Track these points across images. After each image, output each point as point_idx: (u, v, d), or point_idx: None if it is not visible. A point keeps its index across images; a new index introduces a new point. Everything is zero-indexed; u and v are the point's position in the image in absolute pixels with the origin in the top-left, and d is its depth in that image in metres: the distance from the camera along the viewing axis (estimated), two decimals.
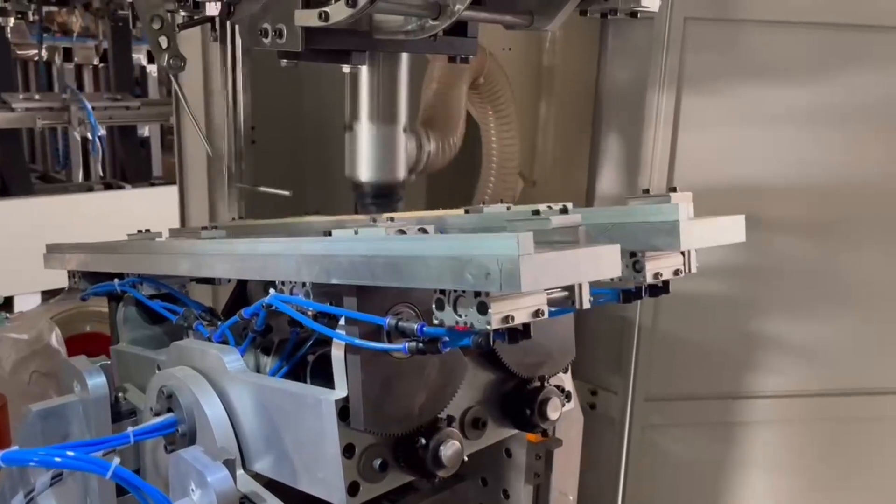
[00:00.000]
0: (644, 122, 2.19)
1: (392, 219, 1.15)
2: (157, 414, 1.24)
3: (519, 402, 1.21)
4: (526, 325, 0.86)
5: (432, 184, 2.49)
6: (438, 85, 1.85)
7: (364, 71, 1.46)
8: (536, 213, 0.99)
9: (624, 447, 2.36)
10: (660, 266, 1.09)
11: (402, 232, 0.97)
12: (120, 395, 1.47)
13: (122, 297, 1.61)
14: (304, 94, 2.51)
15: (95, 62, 6.25)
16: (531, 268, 0.79)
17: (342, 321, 1.01)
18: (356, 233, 1.00)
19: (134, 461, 1.39)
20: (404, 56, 1.49)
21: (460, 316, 0.87)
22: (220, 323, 1.33)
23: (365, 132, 1.51)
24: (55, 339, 3.40)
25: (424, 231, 0.99)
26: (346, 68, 1.37)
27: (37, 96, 5.05)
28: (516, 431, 1.26)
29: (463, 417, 1.18)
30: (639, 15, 1.33)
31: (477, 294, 0.84)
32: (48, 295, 4.33)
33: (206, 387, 1.20)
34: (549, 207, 1.19)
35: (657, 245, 1.05)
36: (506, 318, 0.84)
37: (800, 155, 2.25)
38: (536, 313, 0.86)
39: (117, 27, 5.50)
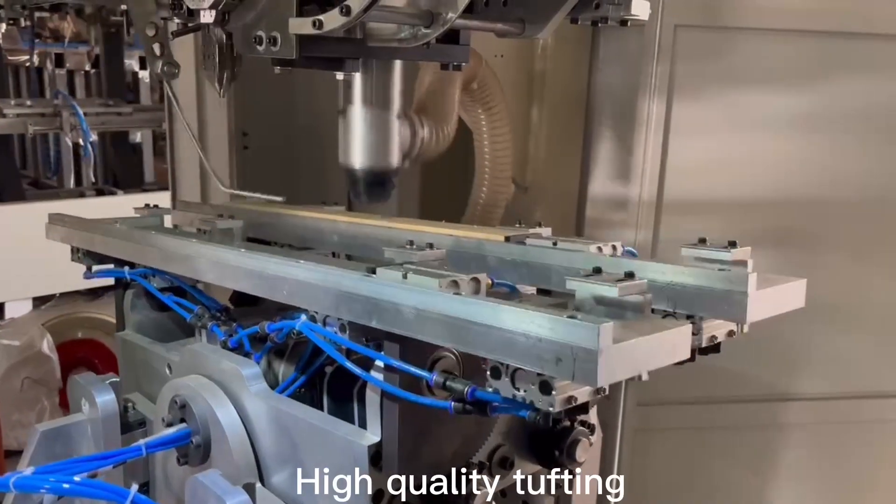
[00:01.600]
0: (635, 128, 2.21)
1: (431, 245, 1.11)
2: (170, 424, 1.20)
3: (548, 442, 1.19)
4: (585, 403, 0.83)
5: (425, 190, 2.50)
6: (432, 80, 1.84)
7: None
8: (598, 270, 0.94)
9: (616, 452, 2.36)
10: (715, 329, 1.05)
11: (455, 283, 0.93)
12: (129, 405, 1.43)
13: (130, 283, 1.57)
14: (296, 99, 2.52)
15: (87, 68, 6.23)
16: (609, 362, 0.75)
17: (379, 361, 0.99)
18: (405, 277, 0.96)
19: (143, 473, 1.36)
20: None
21: (518, 390, 0.84)
22: (235, 325, 1.30)
23: (358, 117, 1.49)
24: (47, 345, 3.40)
25: (477, 280, 0.94)
26: (339, 75, 1.38)
27: (28, 102, 5.03)
28: (541, 468, 1.23)
29: (490, 457, 1.16)
30: (629, 23, 1.34)
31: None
32: (39, 301, 4.32)
33: (221, 398, 1.16)
34: (599, 249, 1.16)
35: (719, 313, 1.01)
36: (569, 399, 0.81)
37: (789, 160, 2.27)
38: (598, 391, 0.83)
39: (109, 33, 5.49)
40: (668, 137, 2.21)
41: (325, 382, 1.19)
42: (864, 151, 2.30)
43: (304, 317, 1.08)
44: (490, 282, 0.97)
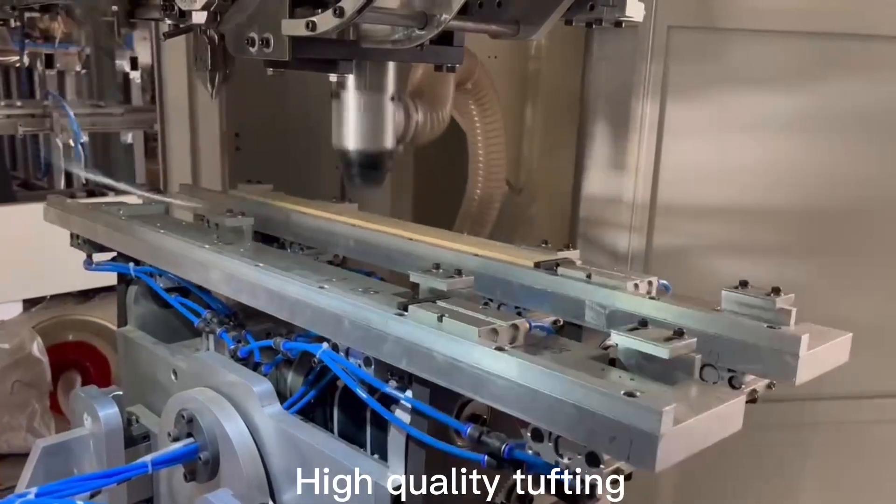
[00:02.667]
0: (629, 129, 2.21)
1: (460, 272, 1.07)
2: (176, 439, 1.16)
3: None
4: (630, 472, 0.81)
5: (419, 192, 2.49)
6: (425, 69, 1.84)
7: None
8: (644, 323, 0.90)
9: None
10: (757, 383, 1.01)
11: (495, 332, 0.88)
12: (132, 417, 1.39)
13: (133, 279, 1.53)
14: (288, 101, 2.51)
15: (78, 69, 6.20)
16: (668, 446, 0.72)
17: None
18: (440, 319, 0.92)
19: (146, 489, 1.33)
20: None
21: (562, 457, 0.80)
22: (244, 332, 1.26)
23: (352, 99, 1.47)
24: (37, 348, 3.37)
25: (516, 327, 0.89)
26: (333, 77, 1.37)
27: (18, 103, 5.00)
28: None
29: (509, 495, 1.12)
30: (623, 25, 1.34)
31: None
32: (30, 304, 4.28)
33: (231, 412, 1.12)
34: (636, 286, 1.12)
35: (766, 372, 0.98)
36: (616, 470, 0.79)
37: (783, 161, 2.28)
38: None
39: (100, 34, 5.45)
40: (661, 138, 2.21)
41: (336, 397, 1.16)
42: (857, 152, 2.31)
43: (325, 345, 1.05)
44: (528, 326, 0.92)
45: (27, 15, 5.82)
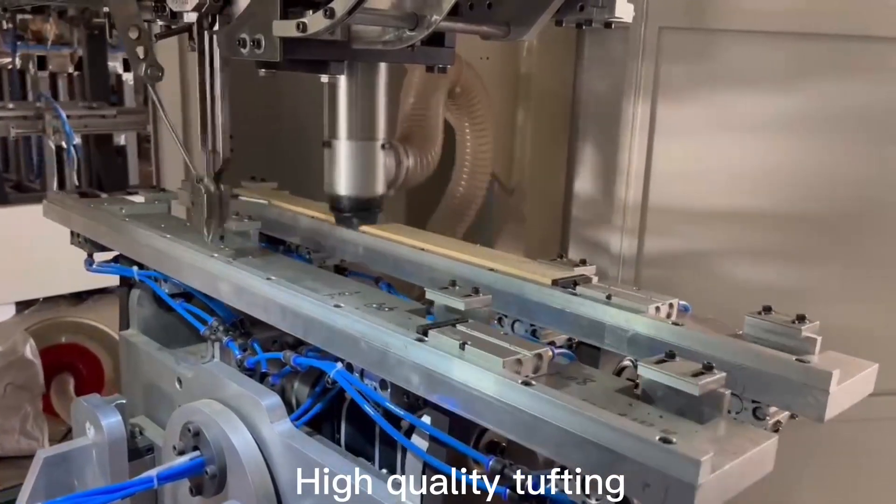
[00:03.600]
0: (620, 129, 2.22)
1: (477, 290, 1.06)
2: (181, 452, 1.14)
3: None
4: None
5: (410, 191, 2.50)
6: (416, 98, 1.86)
7: (342, 84, 1.46)
8: (671, 355, 0.88)
9: None
10: (780, 414, 1.00)
11: (519, 362, 0.86)
12: (136, 429, 1.37)
13: (136, 282, 1.51)
14: (282, 102, 2.51)
15: (70, 70, 6.19)
16: (705, 494, 0.70)
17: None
18: (462, 347, 0.90)
19: (150, 502, 1.30)
20: (382, 66, 1.50)
21: (589, 498, 0.79)
22: (251, 340, 1.24)
23: (343, 148, 1.51)
24: (29, 350, 3.36)
25: (540, 356, 0.87)
26: (324, 78, 1.38)
27: (10, 105, 4.98)
28: None
29: None
30: (613, 25, 1.34)
31: None
32: (23, 306, 4.27)
33: (238, 425, 1.10)
34: (657, 309, 1.08)
35: (793, 406, 0.95)
36: None
37: (774, 162, 2.29)
38: None
39: (92, 35, 5.45)
40: (653, 138, 2.22)
41: (344, 409, 1.14)
42: (847, 152, 2.32)
43: (339, 365, 1.03)
44: (551, 355, 0.91)
45: (19, 17, 5.82)
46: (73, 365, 3.71)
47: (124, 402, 1.31)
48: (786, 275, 2.35)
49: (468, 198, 2.16)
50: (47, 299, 4.40)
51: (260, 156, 2.46)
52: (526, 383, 0.83)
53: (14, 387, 3.32)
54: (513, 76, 2.39)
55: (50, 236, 4.11)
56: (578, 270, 1.24)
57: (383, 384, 0.99)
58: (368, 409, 1.01)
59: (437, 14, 1.12)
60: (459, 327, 0.96)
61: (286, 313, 1.12)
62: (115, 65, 6.31)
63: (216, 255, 1.30)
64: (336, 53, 1.30)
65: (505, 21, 1.34)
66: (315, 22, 1.07)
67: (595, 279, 1.23)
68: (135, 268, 1.48)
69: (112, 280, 1.63)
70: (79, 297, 4.75)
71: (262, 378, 1.26)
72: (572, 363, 1.04)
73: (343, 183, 1.51)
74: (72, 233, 1.69)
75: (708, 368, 0.85)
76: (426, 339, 0.94)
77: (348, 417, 1.14)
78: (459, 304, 1.02)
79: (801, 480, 2.57)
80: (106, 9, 1.31)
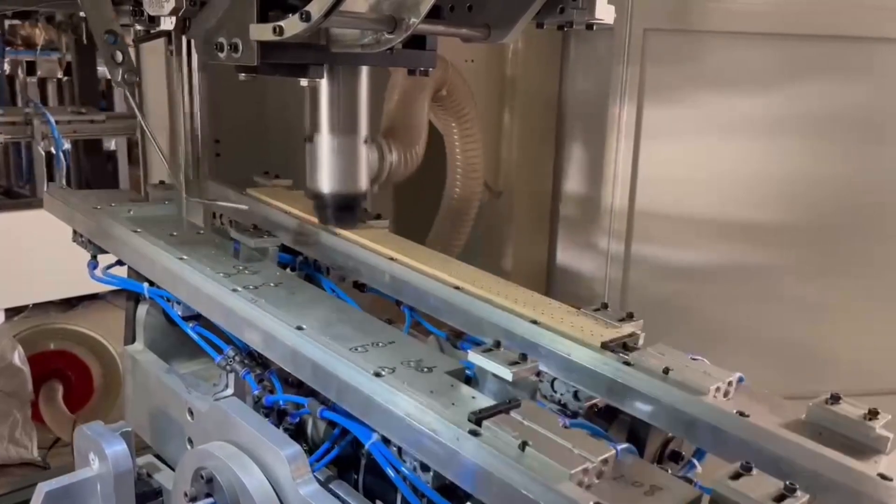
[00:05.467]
0: (606, 131, 2.22)
1: (525, 356, 1.01)
2: (193, 499, 1.08)
3: None
4: None
5: (399, 193, 2.49)
6: (400, 97, 1.85)
7: (324, 82, 1.45)
8: (747, 468, 0.83)
9: None
10: None
11: (586, 471, 0.83)
12: (143, 471, 1.29)
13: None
14: (267, 105, 2.51)
15: (59, 76, 6.16)
16: None
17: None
18: (522, 448, 0.85)
19: None
20: (364, 67, 1.49)
21: None
22: (268, 372, 1.18)
23: (325, 144, 1.48)
24: (18, 357, 3.34)
25: (606, 461, 0.83)
26: (303, 82, 1.37)
27: None
28: None
29: None
30: (594, 27, 1.34)
31: None
32: (12, 312, 4.25)
33: (255, 472, 1.03)
34: (718, 389, 1.03)
35: None
36: None
37: (759, 162, 2.29)
38: None
39: (81, 40, 5.43)
40: (639, 139, 2.22)
41: (361, 456, 1.09)
42: (833, 153, 2.33)
43: (376, 436, 0.98)
44: (615, 454, 0.87)
45: (8, 22, 5.79)
46: (62, 371, 3.69)
47: (130, 430, 1.22)
48: (773, 276, 2.36)
49: (466, 198, 2.15)
50: (37, 306, 4.38)
51: (246, 160, 2.45)
52: None
53: (2, 394, 3.30)
54: (499, 78, 2.39)
55: (39, 242, 4.09)
56: (626, 328, 1.16)
57: (424, 466, 0.94)
58: (404, 487, 0.95)
59: (415, 17, 1.11)
60: (514, 415, 0.91)
61: (318, 372, 1.06)
62: (104, 70, 6.29)
63: (239, 288, 1.23)
64: (315, 57, 1.29)
65: (485, 24, 1.34)
66: (291, 25, 1.07)
67: (642, 336, 1.16)
68: (145, 285, 1.40)
69: (104, 285, 1.54)
70: (69, 303, 4.72)
71: (279, 416, 1.20)
72: (635, 461, 0.97)
73: (325, 179, 1.48)
74: (74, 231, 1.61)
75: (790, 491, 0.81)
76: (480, 431, 0.89)
77: (369, 465, 1.09)
78: (507, 374, 0.98)
79: None
80: (82, 13, 1.30)
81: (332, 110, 1.46)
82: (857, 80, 2.29)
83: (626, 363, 1.07)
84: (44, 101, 5.93)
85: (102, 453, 1.17)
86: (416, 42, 1.41)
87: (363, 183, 1.53)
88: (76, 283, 4.43)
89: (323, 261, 1.52)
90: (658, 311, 2.32)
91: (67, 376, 3.69)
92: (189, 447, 1.25)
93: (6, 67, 5.87)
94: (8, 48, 5.80)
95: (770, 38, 2.20)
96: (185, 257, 1.34)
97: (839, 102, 2.28)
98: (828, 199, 2.33)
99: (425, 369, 1.03)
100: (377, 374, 1.00)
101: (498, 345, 1.05)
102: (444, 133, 2.12)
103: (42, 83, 6.14)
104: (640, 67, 2.15)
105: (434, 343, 1.35)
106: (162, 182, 1.71)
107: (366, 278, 1.44)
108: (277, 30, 1.08)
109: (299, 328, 1.12)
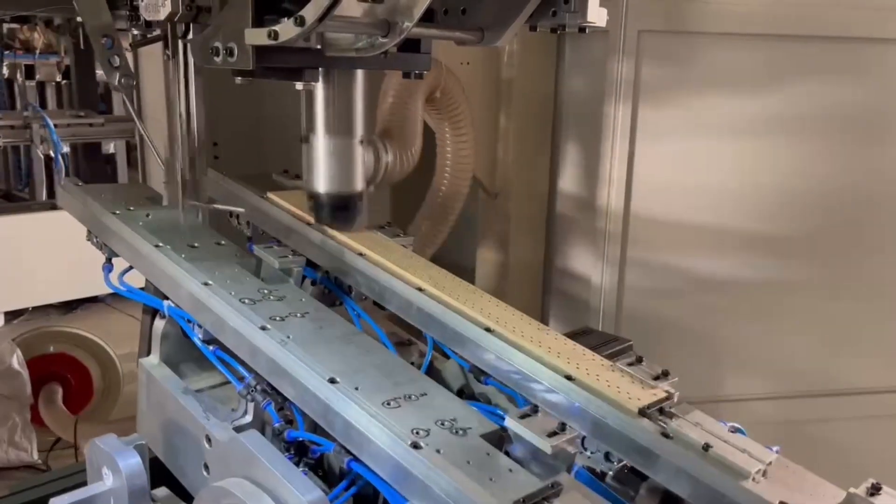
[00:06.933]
0: (602, 132, 2.23)
1: (564, 426, 1.02)
2: None
3: None
4: None
5: (398, 193, 2.51)
6: (394, 98, 1.85)
7: (319, 83, 1.45)
8: None
9: None
10: None
11: None
12: None
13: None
14: (265, 109, 2.52)
15: (58, 79, 6.17)
16: None
17: None
18: None
19: None
20: (359, 70, 1.50)
21: None
22: (292, 405, 1.16)
23: (321, 144, 1.48)
24: (16, 360, 3.35)
25: None
26: (299, 85, 1.38)
27: None
28: None
29: None
30: (587, 30, 1.35)
31: None
32: (11, 315, 4.26)
33: None
34: (762, 473, 1.00)
35: None
36: None
37: (754, 162, 2.30)
38: None
39: (79, 44, 5.44)
40: (634, 141, 2.23)
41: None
42: (829, 153, 2.34)
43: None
44: None
45: (6, 26, 5.81)
46: (61, 374, 3.70)
47: (144, 443, 1.20)
48: (771, 278, 2.37)
49: (450, 196, 2.16)
50: (36, 309, 4.39)
51: (244, 163, 2.46)
52: None
53: (2, 397, 3.31)
54: (494, 80, 2.40)
55: (38, 245, 4.10)
56: (662, 387, 1.13)
57: None
58: None
59: (409, 20, 1.13)
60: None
61: (352, 431, 1.05)
62: (102, 73, 6.30)
63: (268, 326, 1.21)
64: (310, 60, 1.30)
65: (478, 27, 1.35)
66: (286, 30, 1.08)
67: (676, 395, 1.12)
68: (167, 303, 1.36)
69: (102, 288, 1.48)
70: (68, 306, 4.72)
71: (299, 452, 1.18)
72: None
73: (321, 179, 1.48)
74: (88, 231, 1.58)
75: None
76: None
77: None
78: (546, 447, 0.99)
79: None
80: (80, 18, 1.31)
81: (328, 111, 1.46)
82: (855, 81, 2.30)
83: (665, 435, 1.04)
84: (42, 104, 5.94)
85: (116, 467, 1.15)
86: (411, 45, 1.42)
87: (359, 184, 1.53)
88: (75, 286, 4.44)
89: (346, 280, 1.48)
90: (655, 310, 2.33)
91: (67, 379, 3.70)
92: (205, 473, 1.23)
93: (5, 71, 5.88)
94: (7, 52, 5.81)
95: (763, 38, 2.21)
96: (210, 282, 1.31)
97: (834, 103, 2.29)
98: (828, 199, 2.34)
99: (460, 431, 1.02)
100: (415, 446, 0.99)
101: (535, 409, 1.04)
102: (437, 132, 2.13)
103: (41, 87, 6.16)
104: (635, 69, 2.16)
105: (457, 371, 1.32)
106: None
107: (391, 306, 1.40)
108: (272, 34, 1.09)
109: (332, 381, 1.09)
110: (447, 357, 1.32)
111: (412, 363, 1.35)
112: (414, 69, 1.45)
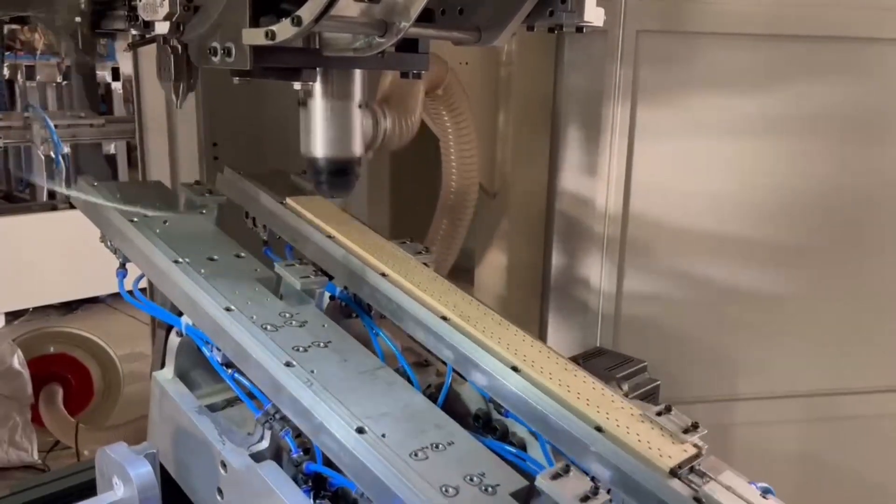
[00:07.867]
0: (601, 133, 2.23)
1: (597, 489, 0.98)
2: None
3: None
4: None
5: (394, 196, 2.51)
6: (394, 77, 1.84)
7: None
8: None
9: None
10: None
11: None
12: None
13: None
14: (265, 108, 2.52)
15: (59, 80, 6.19)
16: None
17: None
18: None
19: None
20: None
21: None
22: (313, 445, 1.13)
23: (319, 108, 1.46)
24: (17, 360, 3.36)
25: None
26: (296, 85, 1.38)
27: None
28: None
29: None
30: (584, 30, 1.36)
31: None
32: (12, 316, 4.27)
33: None
34: None
35: None
36: None
37: (753, 163, 2.30)
38: None
39: (79, 45, 5.44)
40: (633, 141, 2.23)
41: None
42: (828, 153, 2.34)
43: None
44: None
45: (7, 27, 5.82)
46: (61, 375, 3.71)
47: (155, 451, 1.18)
48: (770, 278, 2.37)
49: (463, 192, 2.16)
50: (37, 310, 4.40)
51: (243, 164, 2.46)
52: None
53: (2, 397, 3.32)
54: (493, 80, 2.40)
55: (39, 246, 4.10)
56: (691, 440, 1.09)
57: None
58: None
59: (406, 20, 1.13)
60: None
61: (379, 486, 1.01)
62: (103, 73, 6.32)
63: (294, 362, 1.16)
64: (307, 60, 1.31)
65: (476, 27, 1.35)
66: (283, 30, 1.08)
67: (704, 448, 1.08)
68: (185, 321, 1.32)
69: (102, 288, 1.47)
70: (69, 307, 4.73)
71: (317, 482, 1.16)
72: None
73: (318, 143, 1.46)
74: (102, 234, 1.53)
75: None
76: None
77: None
78: None
79: (806, 478, 2.57)
80: (77, 18, 1.31)
81: (326, 74, 1.43)
82: (855, 81, 2.30)
83: (697, 500, 1.00)
84: (43, 105, 5.95)
85: (127, 476, 1.12)
86: (409, 45, 1.42)
87: (357, 148, 1.51)
88: (76, 287, 4.45)
89: (366, 299, 1.41)
90: (655, 310, 2.33)
91: (67, 379, 3.71)
92: (219, 498, 1.22)
93: (6, 72, 5.90)
94: (8, 52, 5.83)
95: (762, 39, 2.21)
96: (231, 307, 1.26)
97: (834, 103, 2.29)
98: (827, 199, 2.34)
99: (489, 489, 1.00)
100: (445, 493, 0.97)
101: (567, 469, 1.01)
102: (440, 134, 2.14)
103: (41, 87, 6.17)
104: (634, 69, 2.16)
105: (476, 396, 1.29)
106: (197, 182, 1.64)
107: (412, 332, 1.34)
108: (269, 34, 1.09)
109: (360, 430, 1.06)
110: (464, 379, 1.28)
111: (430, 385, 1.32)
112: (412, 69, 1.46)
